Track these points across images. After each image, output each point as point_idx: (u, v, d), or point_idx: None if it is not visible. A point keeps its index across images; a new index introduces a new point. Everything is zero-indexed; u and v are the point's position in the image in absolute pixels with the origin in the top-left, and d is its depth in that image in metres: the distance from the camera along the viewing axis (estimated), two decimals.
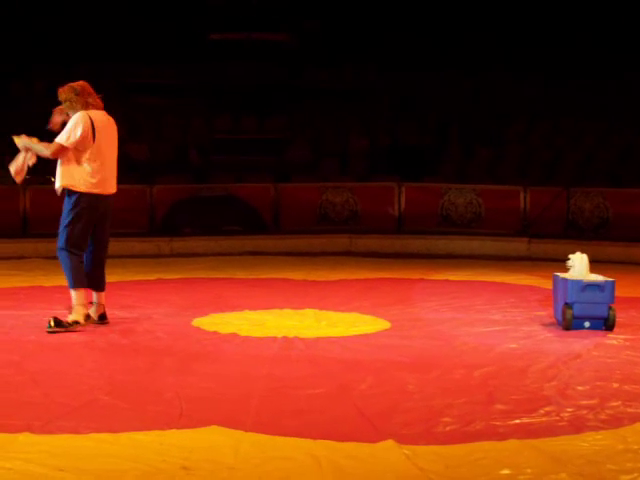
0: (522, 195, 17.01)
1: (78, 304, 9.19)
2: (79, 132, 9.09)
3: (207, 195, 17.63)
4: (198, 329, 9.43)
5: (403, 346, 8.67)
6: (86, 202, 9.18)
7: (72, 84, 9.35)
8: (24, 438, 5.79)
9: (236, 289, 12.11)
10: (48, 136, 9.33)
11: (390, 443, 5.74)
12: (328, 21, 21.38)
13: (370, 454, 5.60)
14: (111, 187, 9.40)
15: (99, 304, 9.47)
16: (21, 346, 8.59)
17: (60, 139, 9.15)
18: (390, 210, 17.63)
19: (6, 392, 6.94)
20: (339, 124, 20.24)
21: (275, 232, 17.34)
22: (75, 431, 5.95)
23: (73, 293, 9.19)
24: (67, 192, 9.18)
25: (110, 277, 12.23)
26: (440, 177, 18.38)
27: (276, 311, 10.41)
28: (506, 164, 19.00)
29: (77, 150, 9.14)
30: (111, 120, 9.45)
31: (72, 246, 9.17)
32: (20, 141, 9.32)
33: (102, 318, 9.47)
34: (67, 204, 9.20)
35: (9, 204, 16.54)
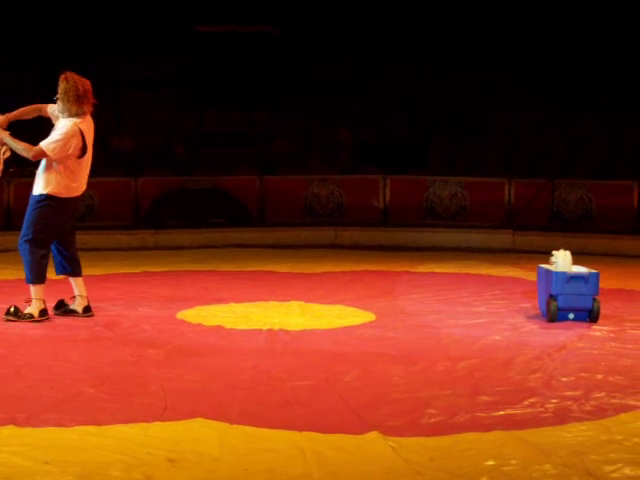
0: (507, 187, 17.03)
1: (36, 298, 9.20)
2: (70, 149, 9.04)
3: (192, 187, 17.60)
4: (183, 322, 9.42)
5: (388, 338, 8.69)
6: (63, 204, 9.17)
7: (78, 82, 9.16)
8: (8, 431, 5.79)
9: (221, 282, 12.10)
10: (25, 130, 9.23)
11: (375, 435, 5.75)
12: (314, 14, 21.35)
13: (355, 446, 5.61)
14: (84, 186, 9.37)
15: (82, 296, 9.46)
16: (5, 339, 8.57)
17: (47, 147, 9.03)
18: (375, 203, 17.63)
19: None
20: (325, 117, 20.22)
21: (260, 225, 17.32)
22: (60, 424, 5.95)
23: (32, 288, 9.21)
24: (46, 195, 9.12)
25: (95, 270, 12.27)
26: (425, 169, 18.38)
27: (261, 304, 10.41)
28: (491, 156, 19.02)
29: (62, 159, 9.09)
30: (92, 122, 9.37)
31: (38, 241, 9.15)
32: None
33: (87, 311, 9.46)
34: (40, 201, 9.13)
35: None
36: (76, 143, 9.07)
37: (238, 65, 20.98)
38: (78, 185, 9.23)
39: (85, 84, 9.20)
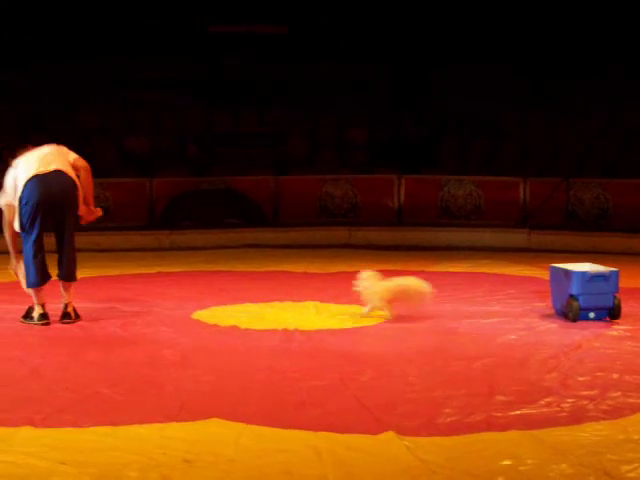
0: (522, 186, 17.00)
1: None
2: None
3: (207, 188, 17.62)
4: (198, 322, 9.43)
5: (403, 338, 8.68)
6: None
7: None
8: (25, 432, 5.80)
9: (236, 282, 12.11)
10: None
11: (391, 435, 5.75)
12: (326, 15, 21.33)
13: (371, 446, 5.61)
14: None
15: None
16: (21, 340, 8.60)
17: None
18: (389, 202, 17.61)
19: (7, 386, 6.95)
20: (338, 117, 20.21)
21: (275, 225, 17.32)
22: (76, 424, 5.96)
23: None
24: None
25: (110, 270, 12.31)
26: (440, 169, 18.35)
27: (276, 304, 10.41)
28: (506, 155, 18.97)
29: None
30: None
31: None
32: None
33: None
34: None
35: None
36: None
37: (251, 65, 20.98)
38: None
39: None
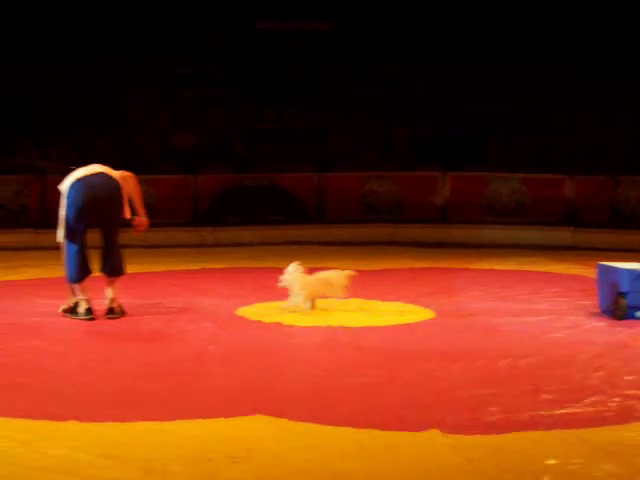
0: (567, 184, 16.89)
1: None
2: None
3: (251, 185, 17.66)
4: (242, 318, 9.45)
5: (448, 335, 8.65)
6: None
7: None
8: (71, 426, 5.84)
9: (280, 279, 12.09)
10: None
11: (435, 432, 5.72)
12: (374, 13, 21.29)
13: (415, 443, 5.58)
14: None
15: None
16: (67, 335, 8.67)
17: None
18: (434, 199, 17.57)
19: (53, 381, 6.99)
20: (383, 113, 20.18)
21: (319, 222, 17.33)
22: (121, 419, 5.99)
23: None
24: None
25: (155, 266, 12.39)
26: (484, 166, 18.27)
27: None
28: (552, 152, 18.85)
29: None
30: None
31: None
32: None
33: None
34: None
35: None
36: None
37: (297, 62, 21.00)
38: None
39: None
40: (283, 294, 10.75)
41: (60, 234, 9.40)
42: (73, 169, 9.69)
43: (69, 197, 9.32)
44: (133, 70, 19.88)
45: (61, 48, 19.72)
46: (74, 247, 9.30)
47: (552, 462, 5.27)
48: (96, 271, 9.50)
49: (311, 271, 9.86)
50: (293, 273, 9.66)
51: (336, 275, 9.80)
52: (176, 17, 20.82)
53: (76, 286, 9.35)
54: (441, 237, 16.53)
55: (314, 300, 9.71)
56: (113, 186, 9.45)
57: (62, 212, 9.41)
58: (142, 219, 9.72)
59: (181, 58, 20.58)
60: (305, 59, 20.99)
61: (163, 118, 19.96)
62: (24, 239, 15.69)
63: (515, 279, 12.09)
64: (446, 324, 9.16)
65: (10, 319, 9.34)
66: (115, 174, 9.62)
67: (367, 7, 21.16)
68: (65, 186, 9.46)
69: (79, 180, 9.39)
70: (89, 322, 9.16)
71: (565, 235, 16.27)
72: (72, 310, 9.39)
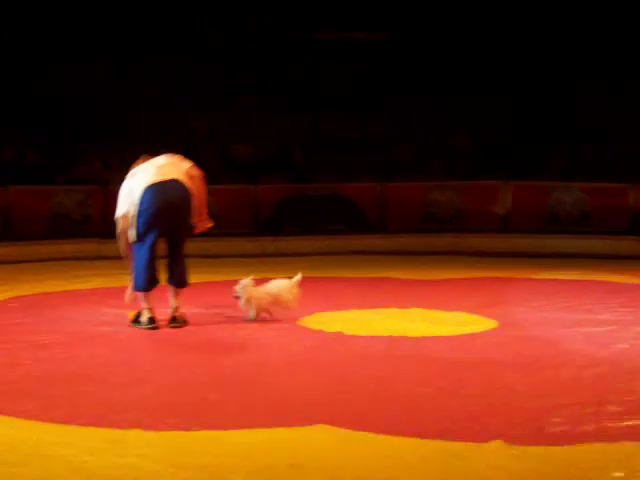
0: (631, 192, 16.70)
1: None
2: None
3: (312, 194, 17.68)
4: (304, 328, 9.46)
5: (511, 345, 8.58)
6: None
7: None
8: (135, 434, 5.88)
9: (341, 288, 12.11)
10: None
11: (499, 443, 5.67)
12: (426, 21, 21.23)
13: (479, 454, 5.54)
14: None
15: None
16: (131, 344, 8.73)
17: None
18: (495, 209, 17.47)
19: (117, 389, 7.05)
20: (444, 122, 20.12)
21: (380, 231, 17.31)
22: (185, 428, 6.02)
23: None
24: None
25: (216, 276, 12.44)
26: (547, 175, 18.12)
27: (382, 310, 10.38)
28: (615, 161, 18.66)
29: None
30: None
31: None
32: None
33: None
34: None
35: None
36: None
37: (356, 71, 21.01)
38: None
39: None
40: (344, 304, 10.77)
41: (132, 234, 9.44)
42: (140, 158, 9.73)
43: (142, 202, 9.32)
44: (194, 79, 20.02)
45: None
46: (145, 256, 9.33)
47: (619, 474, 5.20)
48: (162, 281, 9.56)
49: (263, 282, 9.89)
50: (243, 285, 9.63)
51: (285, 286, 9.79)
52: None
53: (140, 295, 9.41)
54: (503, 247, 16.40)
55: (263, 312, 9.71)
56: (186, 196, 9.49)
57: (123, 209, 9.46)
58: (203, 218, 9.75)
59: (240, 67, 20.67)
60: (365, 68, 20.98)
61: (222, 128, 20.08)
62: (88, 249, 15.83)
63: (579, 289, 11.97)
64: (509, 334, 9.09)
65: (75, 328, 9.44)
66: (185, 167, 9.62)
67: (426, 15, 21.11)
68: (136, 184, 9.43)
69: (154, 186, 9.35)
70: (152, 331, 9.22)
71: (630, 244, 16.07)
72: (135, 319, 9.46)
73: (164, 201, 9.32)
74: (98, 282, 12.63)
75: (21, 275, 13.46)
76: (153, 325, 9.30)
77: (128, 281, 9.66)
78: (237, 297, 9.68)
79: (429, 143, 19.90)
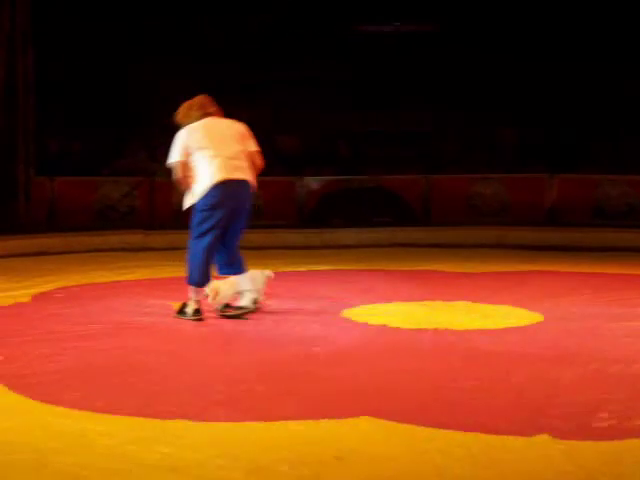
0: None
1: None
2: (182, 151, 9.40)
3: (357, 187, 17.67)
4: (348, 320, 9.44)
5: (557, 339, 8.51)
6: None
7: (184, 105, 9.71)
8: (180, 424, 5.89)
9: (386, 281, 12.09)
10: None
11: (546, 437, 5.62)
12: (474, 12, 21.11)
13: (525, 448, 5.49)
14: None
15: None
16: (176, 335, 8.76)
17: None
18: (540, 202, 17.36)
19: (162, 379, 7.07)
20: (489, 115, 20.02)
21: (425, 224, 17.26)
22: (230, 419, 6.02)
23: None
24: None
25: (262, 268, 12.44)
26: (593, 167, 17.99)
27: (427, 303, 10.34)
28: None
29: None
30: (219, 120, 9.63)
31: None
32: None
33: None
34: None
35: None
36: (186, 144, 9.34)
37: (402, 65, 20.96)
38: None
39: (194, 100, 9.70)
40: (388, 296, 10.75)
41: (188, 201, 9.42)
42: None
43: (208, 196, 9.23)
44: (236, 73, 20.05)
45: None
46: (202, 252, 9.32)
47: None
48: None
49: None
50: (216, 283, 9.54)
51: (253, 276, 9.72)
52: (282, 22, 20.94)
53: (191, 287, 9.42)
54: (548, 240, 16.29)
55: (225, 302, 9.54)
56: (251, 198, 9.54)
57: (176, 157, 9.39)
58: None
59: (286, 61, 20.67)
60: (410, 61, 20.92)
61: (267, 121, 20.10)
62: (133, 240, 15.90)
63: (626, 283, 11.87)
64: (555, 327, 9.02)
65: (122, 318, 9.48)
66: (249, 147, 9.53)
67: (472, 7, 21.01)
68: (201, 165, 9.31)
69: (223, 185, 9.25)
70: (197, 322, 9.24)
71: None
72: (180, 310, 9.48)
73: (231, 206, 9.32)
74: (143, 273, 12.69)
75: (67, 266, 13.56)
76: (199, 317, 9.32)
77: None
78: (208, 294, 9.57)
79: (473, 135, 19.82)
